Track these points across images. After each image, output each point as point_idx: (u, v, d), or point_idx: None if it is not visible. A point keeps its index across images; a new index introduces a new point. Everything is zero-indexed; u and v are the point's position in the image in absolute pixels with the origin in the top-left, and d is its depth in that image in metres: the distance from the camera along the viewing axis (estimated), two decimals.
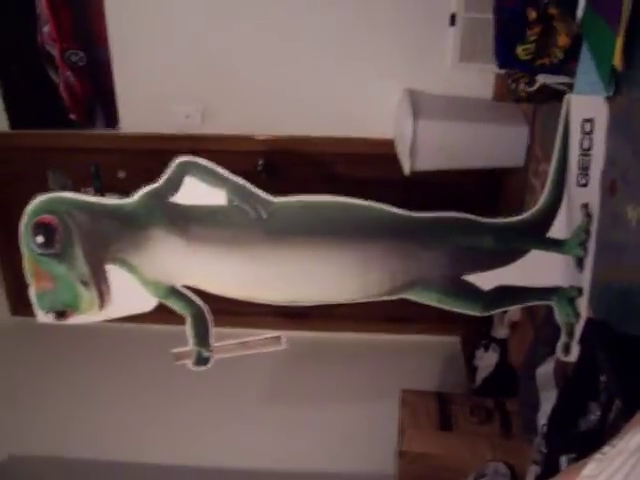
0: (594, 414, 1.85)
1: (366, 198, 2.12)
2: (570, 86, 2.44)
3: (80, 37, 3.57)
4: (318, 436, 3.52)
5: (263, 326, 3.19)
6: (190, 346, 2.18)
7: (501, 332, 3.64)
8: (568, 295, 2.25)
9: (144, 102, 3.71)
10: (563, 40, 2.43)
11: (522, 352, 3.17)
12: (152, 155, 3.32)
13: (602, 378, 1.81)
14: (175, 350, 2.20)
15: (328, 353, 4.05)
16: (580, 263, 2.22)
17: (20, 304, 4.12)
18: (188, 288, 2.13)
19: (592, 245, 2.21)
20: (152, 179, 2.06)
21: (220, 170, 2.07)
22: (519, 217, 2.28)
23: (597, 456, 1.02)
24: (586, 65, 2.24)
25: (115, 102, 3.73)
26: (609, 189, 2.17)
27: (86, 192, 3.53)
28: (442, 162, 3.31)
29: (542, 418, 2.50)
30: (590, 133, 2.19)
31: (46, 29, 3.52)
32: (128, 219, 2.03)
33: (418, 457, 2.99)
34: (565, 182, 2.24)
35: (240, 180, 2.08)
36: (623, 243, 2.09)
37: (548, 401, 2.47)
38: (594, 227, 2.21)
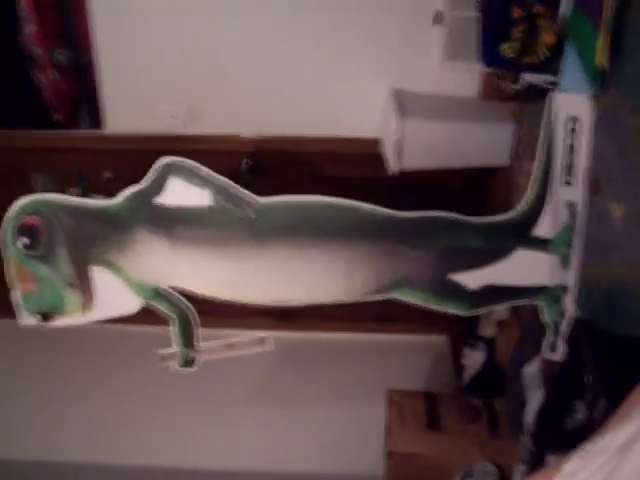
0: (580, 413, 1.85)
1: (352, 198, 2.11)
2: (556, 84, 2.44)
3: (65, 37, 3.54)
4: (306, 437, 3.51)
5: (249, 327, 3.17)
6: (176, 347, 2.18)
7: (488, 331, 3.64)
8: (554, 294, 2.25)
9: (129, 102, 3.69)
10: (548, 38, 2.43)
11: (509, 351, 3.17)
12: (138, 156, 3.29)
13: (588, 377, 1.81)
14: (161, 351, 2.19)
15: (315, 353, 4.05)
16: (565, 261, 2.22)
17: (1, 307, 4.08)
18: (174, 289, 2.12)
19: (577, 243, 2.22)
20: (138, 180, 2.04)
21: (205, 170, 2.06)
22: (505, 216, 2.27)
23: (578, 453, 1.02)
24: (571, 63, 2.25)
25: (100, 102, 3.70)
26: (593, 187, 2.18)
27: (71, 193, 3.56)
28: (428, 161, 3.31)
29: (529, 417, 2.51)
30: (575, 131, 2.20)
31: (29, 30, 3.49)
32: (113, 220, 2.02)
33: (405, 457, 2.99)
34: (550, 180, 2.24)
35: (225, 180, 2.07)
36: (608, 241, 2.10)
37: (535, 400, 2.48)
38: (579, 225, 2.21)
